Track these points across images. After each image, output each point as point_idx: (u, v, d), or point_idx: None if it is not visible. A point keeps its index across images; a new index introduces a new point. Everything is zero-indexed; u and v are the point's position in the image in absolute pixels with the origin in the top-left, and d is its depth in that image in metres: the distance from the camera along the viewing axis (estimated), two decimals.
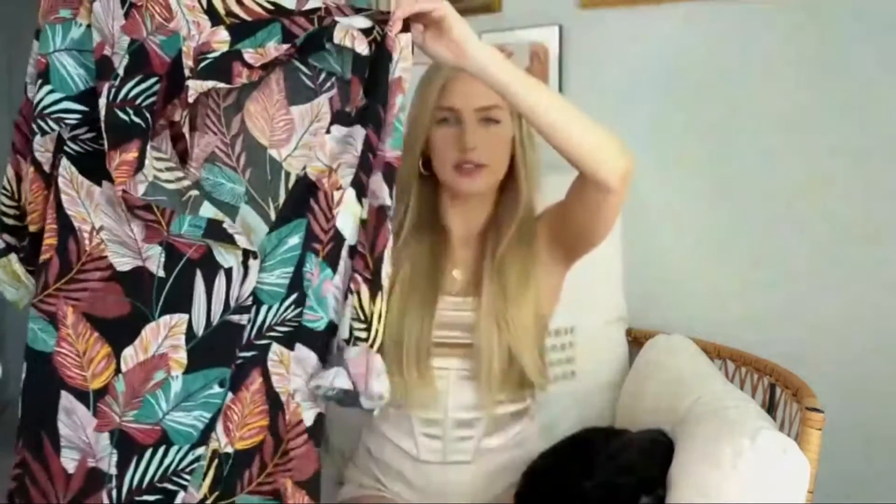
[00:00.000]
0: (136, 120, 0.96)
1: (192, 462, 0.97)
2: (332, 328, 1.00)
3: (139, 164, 0.95)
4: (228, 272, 0.99)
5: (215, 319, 0.99)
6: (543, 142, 1.29)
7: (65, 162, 0.98)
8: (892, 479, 1.43)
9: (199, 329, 0.99)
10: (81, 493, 0.97)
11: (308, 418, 1.00)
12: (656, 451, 1.11)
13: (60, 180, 0.98)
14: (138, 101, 0.96)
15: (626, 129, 1.67)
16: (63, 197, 0.99)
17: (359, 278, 0.99)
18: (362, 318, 0.99)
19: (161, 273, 0.98)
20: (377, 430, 1.31)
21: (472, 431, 1.26)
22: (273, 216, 1.02)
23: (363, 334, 0.99)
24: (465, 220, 1.31)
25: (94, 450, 0.98)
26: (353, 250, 1.00)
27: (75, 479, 0.98)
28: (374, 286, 0.99)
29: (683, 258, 1.65)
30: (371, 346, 0.98)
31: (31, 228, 1.03)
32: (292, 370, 1.00)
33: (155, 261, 0.98)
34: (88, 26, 0.98)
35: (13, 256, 1.07)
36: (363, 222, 1.00)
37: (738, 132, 1.57)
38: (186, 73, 0.96)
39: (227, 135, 1.02)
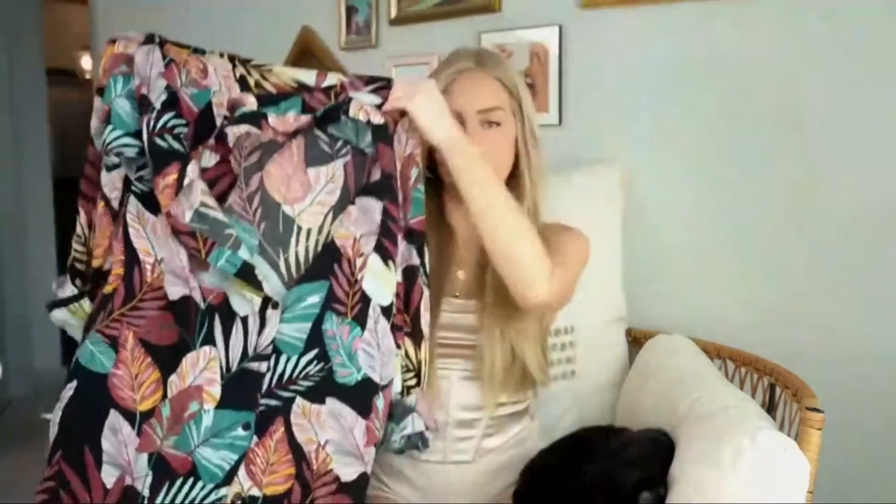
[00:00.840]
0: (175, 145, 1.06)
1: (214, 501, 1.02)
2: (367, 382, 1.07)
3: (179, 185, 1.03)
4: (244, 320, 1.06)
5: (234, 365, 1.05)
6: (541, 142, 1.30)
7: (132, 199, 1.08)
8: (891, 479, 1.43)
9: (224, 371, 1.06)
10: None
11: (346, 474, 1.06)
12: (657, 450, 1.11)
13: (128, 216, 1.08)
14: (175, 130, 1.06)
15: (625, 128, 1.69)
16: (130, 231, 1.08)
17: (402, 334, 1.11)
18: (411, 367, 1.12)
19: (202, 305, 1.07)
20: None
21: (473, 432, 1.26)
22: (282, 265, 1.09)
23: (413, 381, 1.13)
24: (470, 221, 1.31)
25: (132, 468, 1.03)
26: (386, 310, 1.08)
27: (112, 494, 1.03)
28: (417, 337, 1.12)
29: (683, 258, 1.65)
30: (423, 388, 1.14)
31: (94, 263, 1.12)
32: (325, 422, 1.06)
33: (198, 291, 1.07)
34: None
35: (85, 301, 1.14)
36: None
37: (738, 132, 1.57)
38: (220, 120, 1.08)
39: (245, 191, 1.10)
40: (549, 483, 1.16)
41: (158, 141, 1.05)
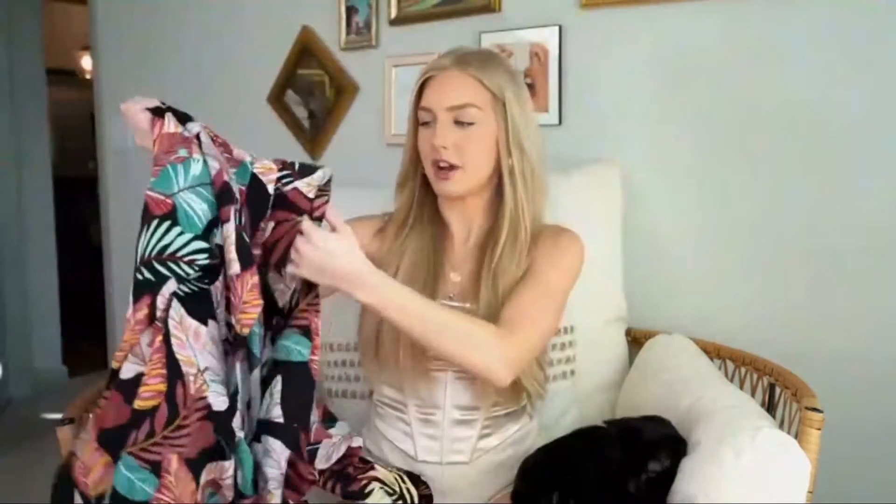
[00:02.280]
0: (248, 240, 0.98)
1: None
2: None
3: (263, 287, 0.99)
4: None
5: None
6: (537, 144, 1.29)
7: (175, 304, 0.96)
8: (891, 479, 1.43)
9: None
10: None
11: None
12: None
13: (170, 323, 0.95)
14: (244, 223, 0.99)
15: (625, 128, 1.69)
16: (173, 340, 0.95)
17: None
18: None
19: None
20: (377, 430, 1.32)
21: (470, 432, 1.26)
22: None
23: None
24: (464, 220, 1.31)
25: None
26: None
27: None
28: None
29: (683, 258, 1.65)
30: None
31: (114, 365, 0.98)
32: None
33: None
34: (204, 161, 0.98)
35: None
36: None
37: (738, 132, 1.57)
38: (271, 187, 1.00)
39: None
40: (545, 481, 1.16)
41: (245, 236, 0.96)
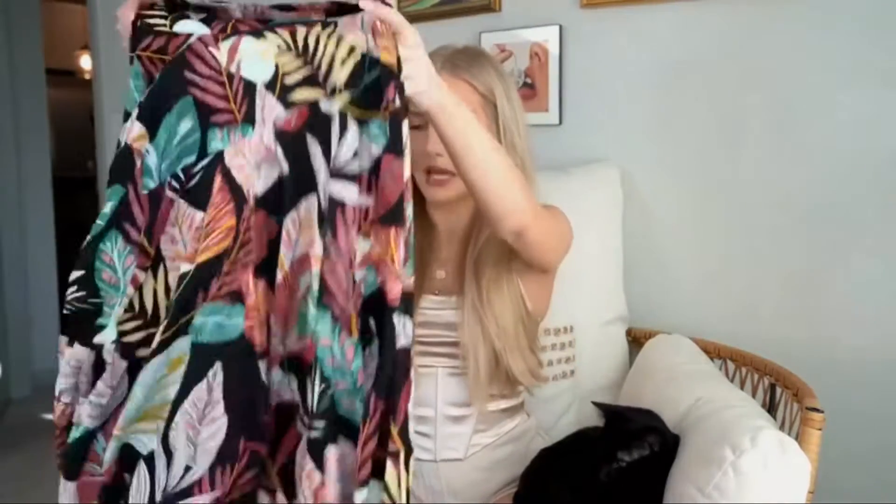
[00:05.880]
0: None
1: None
2: None
3: None
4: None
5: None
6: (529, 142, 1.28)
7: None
8: (891, 478, 1.43)
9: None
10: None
11: None
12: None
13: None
14: None
15: (625, 128, 1.69)
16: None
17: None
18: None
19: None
20: None
21: (463, 428, 1.26)
22: None
23: None
24: (451, 220, 1.31)
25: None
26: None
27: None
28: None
29: (683, 258, 1.65)
30: None
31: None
32: None
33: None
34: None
35: None
36: None
37: (738, 131, 1.57)
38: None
39: None
40: (550, 484, 1.16)
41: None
